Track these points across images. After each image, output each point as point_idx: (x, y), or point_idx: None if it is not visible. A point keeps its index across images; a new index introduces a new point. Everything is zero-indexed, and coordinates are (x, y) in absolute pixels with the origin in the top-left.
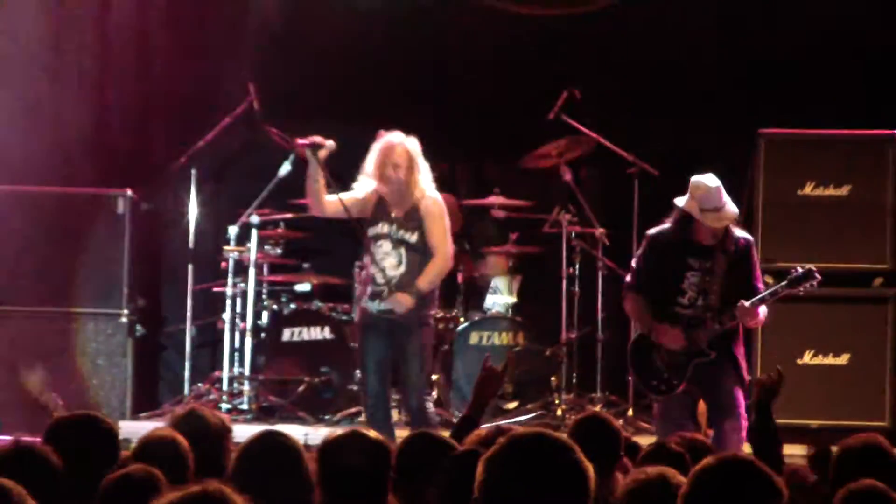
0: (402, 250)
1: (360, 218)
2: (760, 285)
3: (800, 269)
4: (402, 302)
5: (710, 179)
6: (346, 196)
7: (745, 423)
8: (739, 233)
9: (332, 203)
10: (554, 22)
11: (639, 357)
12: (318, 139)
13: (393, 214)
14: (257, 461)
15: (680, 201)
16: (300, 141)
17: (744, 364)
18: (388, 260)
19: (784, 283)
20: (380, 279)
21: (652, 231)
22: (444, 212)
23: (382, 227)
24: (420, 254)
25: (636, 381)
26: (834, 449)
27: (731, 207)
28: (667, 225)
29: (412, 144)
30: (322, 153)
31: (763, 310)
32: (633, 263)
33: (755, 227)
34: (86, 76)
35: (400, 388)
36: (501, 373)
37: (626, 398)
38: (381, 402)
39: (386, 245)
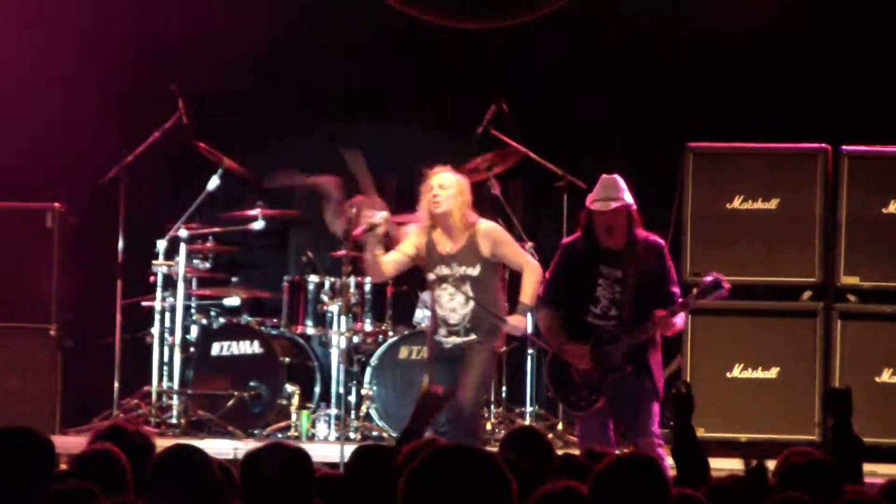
0: (467, 286)
1: (418, 265)
2: (676, 289)
3: (708, 279)
4: (519, 325)
5: (611, 176)
6: (403, 248)
7: (656, 440)
8: (653, 237)
9: (391, 263)
10: (481, 34)
11: (557, 373)
12: (373, 220)
13: (448, 251)
14: (167, 475)
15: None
16: (357, 232)
17: (659, 374)
18: (456, 300)
19: (694, 293)
20: (454, 320)
21: (565, 240)
22: (502, 229)
23: (441, 270)
24: (485, 283)
25: (555, 397)
26: (771, 463)
27: (625, 198)
28: (578, 234)
29: (459, 175)
30: (379, 230)
31: (680, 318)
32: (547, 275)
33: (684, 241)
34: (13, 89)
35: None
36: (444, 398)
37: (556, 412)
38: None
39: (450, 287)
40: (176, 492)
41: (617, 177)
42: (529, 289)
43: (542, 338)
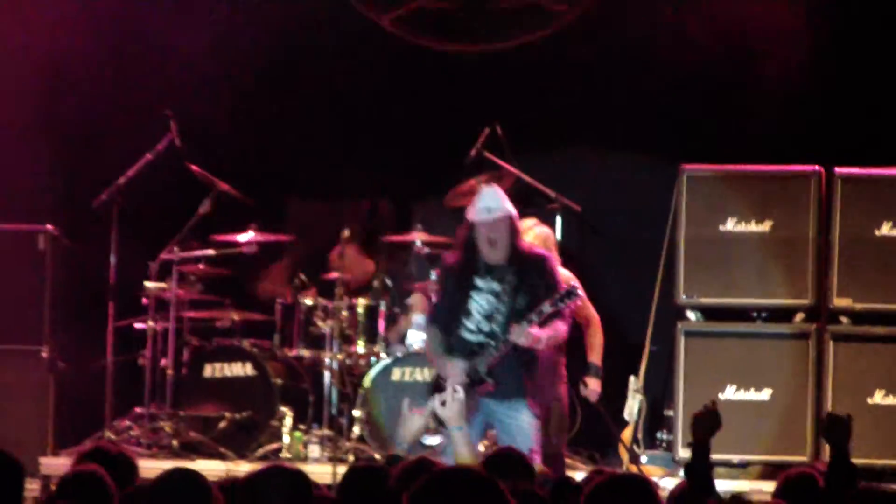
0: None
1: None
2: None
3: (563, 288)
4: None
5: (490, 186)
6: None
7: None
8: (536, 249)
9: None
10: (474, 58)
11: (438, 390)
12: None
13: None
14: (166, 499)
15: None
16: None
17: (538, 395)
18: None
19: (548, 303)
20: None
21: (446, 259)
22: None
23: None
24: None
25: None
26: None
27: (507, 208)
28: (458, 251)
29: None
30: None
31: (544, 333)
32: (433, 296)
33: (677, 263)
34: (4, 110)
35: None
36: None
37: (548, 432)
38: None
39: None
40: None
41: (496, 187)
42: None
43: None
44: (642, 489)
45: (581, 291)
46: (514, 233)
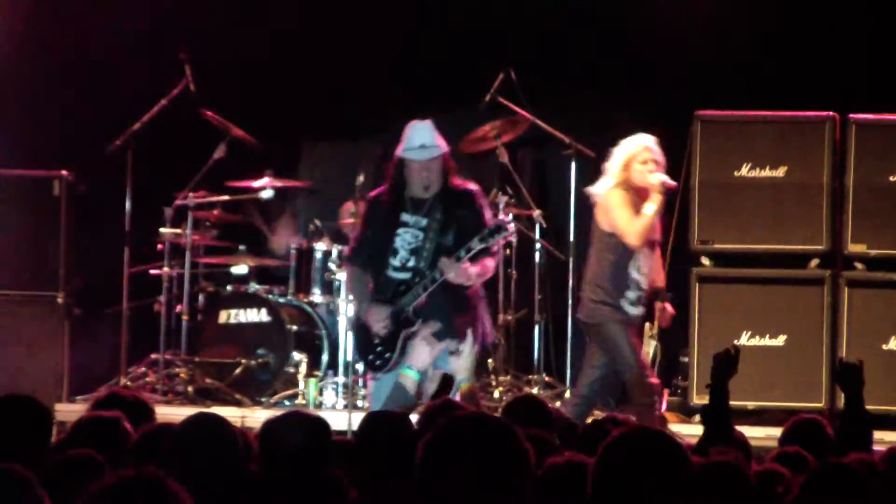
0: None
1: None
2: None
3: (492, 225)
4: None
5: (423, 121)
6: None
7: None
8: (466, 184)
9: None
10: (490, 1)
11: (358, 331)
12: None
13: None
14: (191, 443)
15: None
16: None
17: (467, 333)
18: (646, 267)
19: (477, 238)
20: (644, 284)
21: (371, 194)
22: None
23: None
24: None
25: (357, 358)
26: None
27: (441, 145)
28: (383, 187)
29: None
30: None
31: (474, 269)
32: (356, 231)
33: (692, 209)
34: (20, 56)
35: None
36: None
37: (564, 380)
38: None
39: (647, 251)
40: (200, 461)
41: (430, 122)
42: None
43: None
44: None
45: (512, 227)
46: (447, 170)
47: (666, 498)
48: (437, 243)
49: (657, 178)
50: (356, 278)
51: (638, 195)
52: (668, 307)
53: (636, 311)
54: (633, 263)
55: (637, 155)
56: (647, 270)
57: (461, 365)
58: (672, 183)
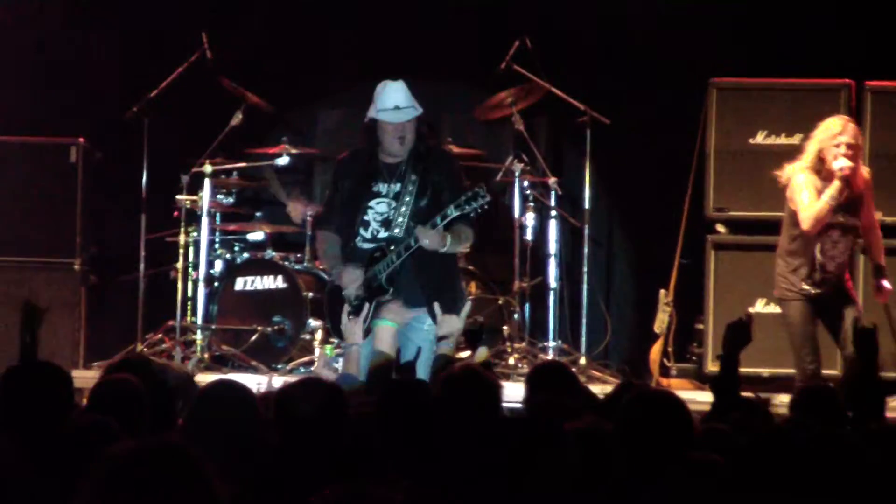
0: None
1: None
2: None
3: (469, 192)
4: None
5: (396, 81)
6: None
7: None
8: (441, 147)
9: None
10: None
11: (332, 301)
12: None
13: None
14: (212, 409)
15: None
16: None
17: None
18: (837, 248)
19: (453, 205)
20: (830, 267)
21: (340, 157)
22: None
23: (836, 217)
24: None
25: (329, 327)
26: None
27: (418, 106)
28: (352, 151)
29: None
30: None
31: (448, 236)
32: (326, 196)
33: (707, 176)
34: (36, 24)
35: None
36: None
37: (578, 347)
38: None
39: (835, 234)
40: (221, 427)
41: (402, 82)
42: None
43: None
44: (673, 405)
45: (487, 196)
46: (421, 132)
47: (675, 451)
48: (411, 209)
49: (838, 164)
50: (330, 243)
51: (827, 178)
52: (886, 284)
53: (813, 290)
54: (817, 244)
55: (828, 137)
56: (836, 252)
57: (446, 330)
58: (847, 170)
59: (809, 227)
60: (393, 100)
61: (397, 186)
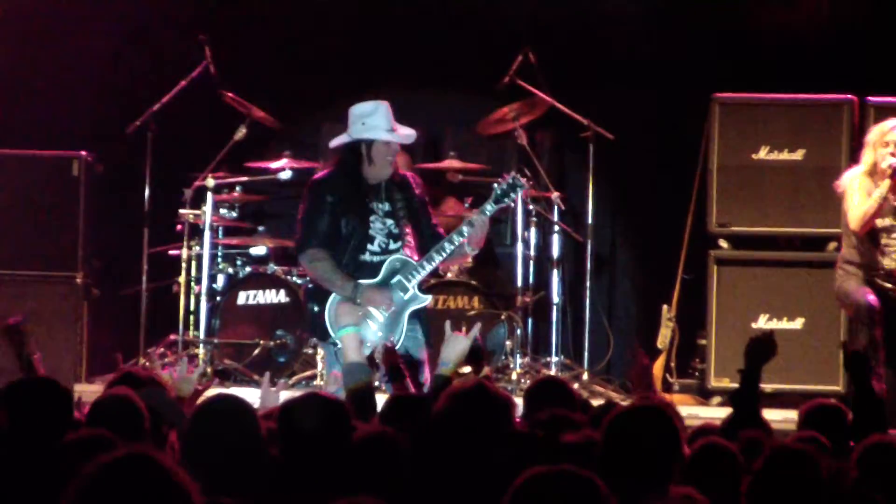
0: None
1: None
2: (439, 229)
3: (504, 184)
4: None
5: (374, 102)
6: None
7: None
8: (401, 169)
9: None
10: None
11: (319, 305)
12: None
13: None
14: (211, 423)
15: (339, 140)
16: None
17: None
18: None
19: (491, 201)
20: (888, 265)
21: (318, 178)
22: None
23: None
24: None
25: (318, 334)
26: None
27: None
28: (333, 170)
29: None
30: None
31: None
32: (302, 218)
33: (710, 192)
34: (39, 37)
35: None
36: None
37: (581, 361)
38: None
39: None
40: (220, 439)
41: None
42: None
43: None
44: (661, 417)
45: (524, 184)
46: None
47: (662, 464)
48: (413, 222)
49: (888, 162)
50: (332, 262)
51: (880, 179)
52: None
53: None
54: (877, 248)
55: (881, 138)
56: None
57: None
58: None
59: (857, 226)
60: (387, 121)
61: (387, 205)
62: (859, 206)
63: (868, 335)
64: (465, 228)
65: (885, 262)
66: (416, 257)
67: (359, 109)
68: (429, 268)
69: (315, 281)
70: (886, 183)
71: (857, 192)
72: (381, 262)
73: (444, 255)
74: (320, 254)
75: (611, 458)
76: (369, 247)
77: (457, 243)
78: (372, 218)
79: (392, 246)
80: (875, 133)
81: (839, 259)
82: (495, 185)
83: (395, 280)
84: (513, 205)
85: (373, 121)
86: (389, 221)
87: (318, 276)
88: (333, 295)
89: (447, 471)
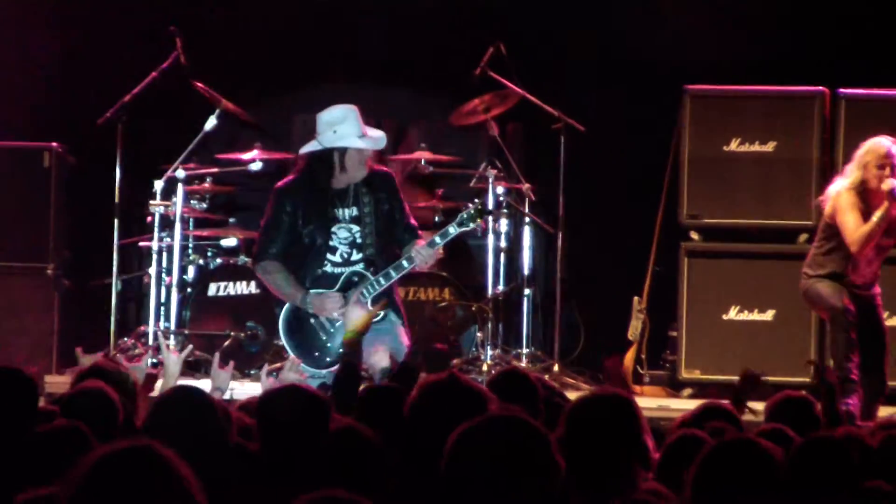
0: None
1: None
2: (413, 221)
3: (470, 207)
4: None
5: (343, 108)
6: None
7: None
8: (381, 168)
9: None
10: None
11: (296, 329)
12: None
13: None
14: (169, 416)
15: (310, 147)
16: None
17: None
18: (866, 267)
19: (455, 224)
20: (857, 280)
21: (280, 185)
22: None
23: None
24: None
25: (297, 357)
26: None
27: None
28: (297, 177)
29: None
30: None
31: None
32: (261, 227)
33: (681, 183)
34: (7, 28)
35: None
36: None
37: (552, 354)
38: None
39: (871, 254)
40: (178, 433)
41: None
42: None
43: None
44: (622, 405)
45: (489, 213)
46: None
47: (624, 454)
48: (374, 229)
49: (888, 185)
50: (282, 272)
51: (870, 198)
52: None
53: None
54: (850, 261)
55: (874, 158)
56: (868, 272)
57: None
58: None
59: (858, 249)
60: (358, 127)
61: (354, 210)
62: (860, 229)
63: (843, 337)
64: (415, 256)
65: (853, 276)
66: (379, 266)
67: (328, 116)
68: (385, 283)
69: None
70: (886, 206)
71: (850, 212)
72: (342, 274)
73: (396, 275)
74: (271, 266)
75: (572, 446)
76: (330, 257)
77: (406, 268)
78: (335, 228)
79: (354, 257)
80: (870, 153)
81: (808, 262)
82: (462, 210)
83: (350, 293)
84: (478, 231)
85: (344, 128)
86: (355, 228)
87: (271, 288)
88: (284, 308)
89: (420, 463)
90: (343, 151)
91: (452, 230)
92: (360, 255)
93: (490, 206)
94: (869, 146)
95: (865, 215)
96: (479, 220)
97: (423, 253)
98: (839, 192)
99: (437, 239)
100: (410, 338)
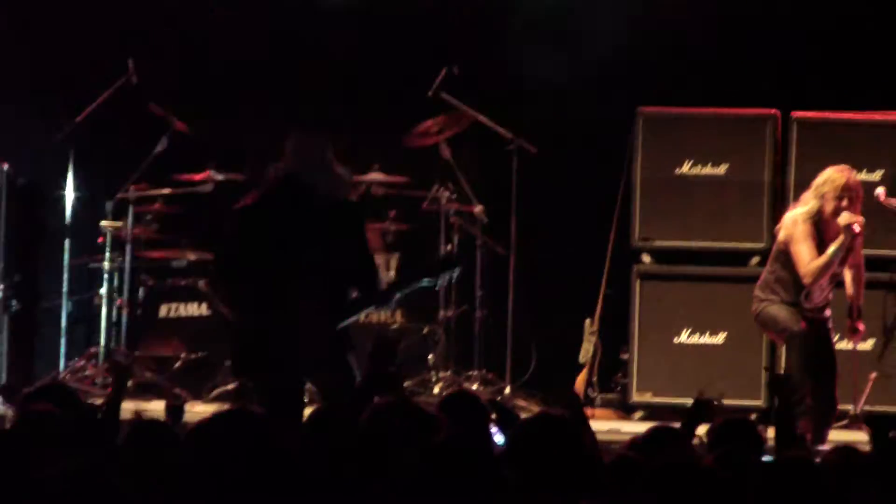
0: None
1: None
2: (371, 249)
3: (441, 260)
4: None
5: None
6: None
7: None
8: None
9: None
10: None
11: (254, 353)
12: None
13: None
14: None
15: (276, 172)
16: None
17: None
18: (823, 293)
19: (426, 278)
20: (808, 306)
21: (237, 208)
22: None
23: None
24: None
25: (249, 379)
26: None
27: None
28: (255, 200)
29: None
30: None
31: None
32: (215, 248)
33: (633, 206)
34: None
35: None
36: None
37: (503, 376)
38: None
39: (824, 281)
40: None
41: None
42: None
43: None
44: (565, 428)
45: (459, 268)
46: None
47: (565, 474)
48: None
49: (844, 219)
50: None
51: (826, 228)
52: (860, 326)
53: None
54: (804, 290)
55: (832, 189)
56: (820, 299)
57: None
58: (857, 228)
59: (811, 281)
60: (329, 156)
61: (312, 234)
62: (813, 262)
63: (798, 360)
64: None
65: (805, 302)
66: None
67: (298, 143)
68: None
69: None
70: (842, 239)
71: (805, 242)
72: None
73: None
74: (222, 288)
75: (518, 465)
76: (280, 283)
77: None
78: (289, 253)
79: (307, 283)
80: (828, 184)
81: (760, 285)
82: (425, 279)
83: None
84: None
85: (313, 157)
86: (312, 253)
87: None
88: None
89: (373, 484)
90: (312, 178)
91: (425, 283)
92: (311, 281)
93: (458, 266)
94: (827, 176)
95: (820, 246)
96: (446, 277)
97: (385, 303)
98: (795, 220)
99: (403, 289)
100: (359, 361)
